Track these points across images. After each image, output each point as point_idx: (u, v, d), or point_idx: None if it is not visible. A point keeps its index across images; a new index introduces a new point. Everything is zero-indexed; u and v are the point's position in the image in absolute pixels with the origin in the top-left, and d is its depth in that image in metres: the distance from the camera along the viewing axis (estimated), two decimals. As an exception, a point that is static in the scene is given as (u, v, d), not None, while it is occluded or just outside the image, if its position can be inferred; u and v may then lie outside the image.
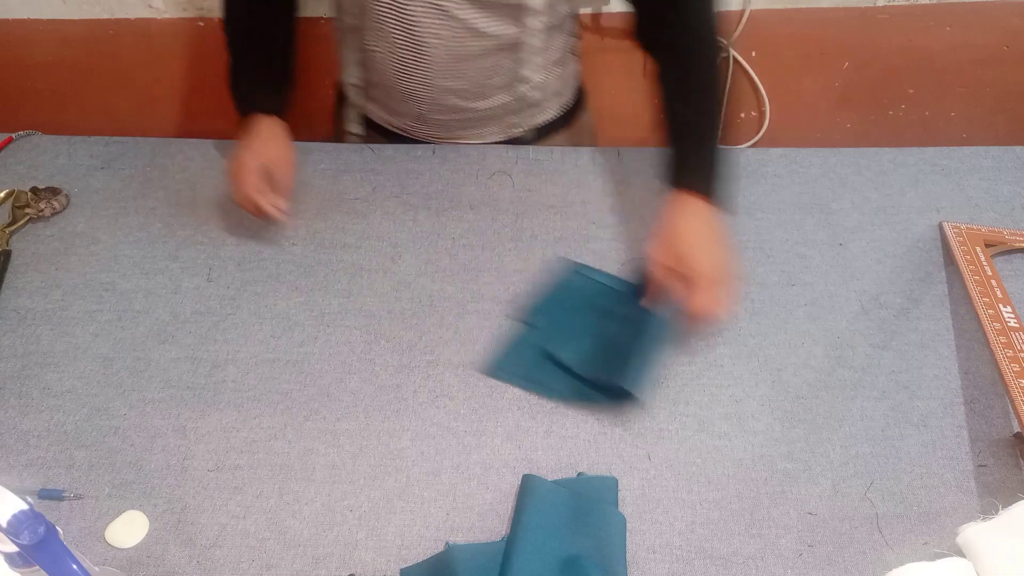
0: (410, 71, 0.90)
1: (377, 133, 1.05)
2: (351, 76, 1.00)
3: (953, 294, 0.84)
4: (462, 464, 0.71)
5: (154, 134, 1.06)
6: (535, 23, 0.88)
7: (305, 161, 1.01)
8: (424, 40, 0.86)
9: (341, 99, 1.08)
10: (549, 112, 1.02)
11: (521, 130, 1.02)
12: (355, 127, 1.07)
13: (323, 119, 1.15)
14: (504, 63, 0.91)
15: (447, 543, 0.65)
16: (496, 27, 0.86)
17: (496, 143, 1.03)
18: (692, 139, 0.82)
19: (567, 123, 1.05)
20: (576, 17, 1.00)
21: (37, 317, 0.84)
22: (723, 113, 0.83)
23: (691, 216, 0.78)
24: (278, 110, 0.94)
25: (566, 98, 1.03)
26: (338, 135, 1.12)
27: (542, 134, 1.03)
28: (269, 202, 0.87)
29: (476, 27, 0.85)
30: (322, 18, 1.23)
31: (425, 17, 0.84)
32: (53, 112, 1.39)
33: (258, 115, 0.92)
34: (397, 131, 1.03)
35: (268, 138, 0.90)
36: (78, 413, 0.75)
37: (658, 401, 0.75)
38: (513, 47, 0.89)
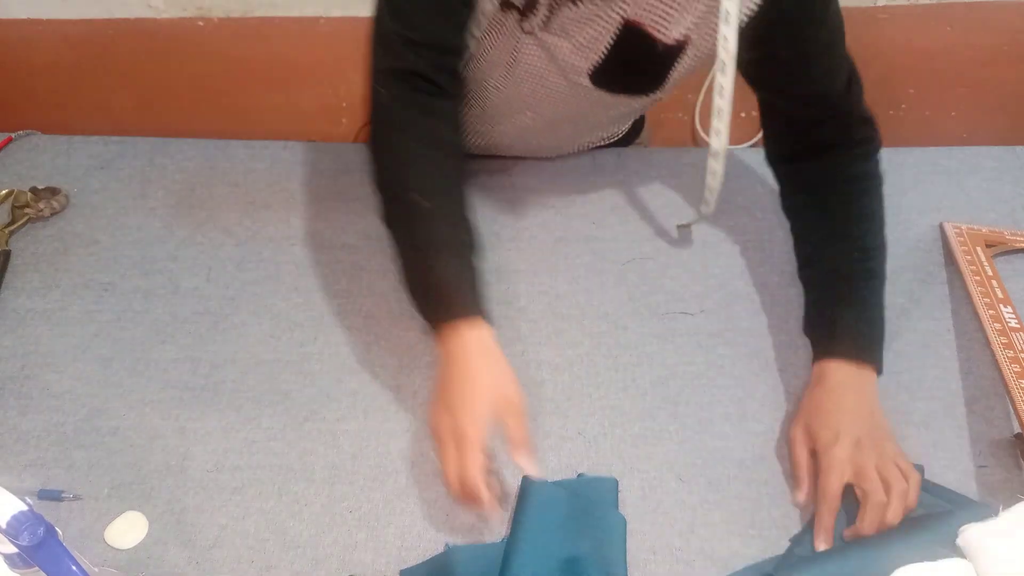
0: (502, 126, 0.88)
1: None
2: None
3: (954, 294, 0.84)
4: (462, 465, 0.71)
5: (154, 134, 1.06)
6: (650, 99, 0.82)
7: (305, 161, 1.01)
8: (524, 108, 0.83)
9: None
10: (615, 136, 1.03)
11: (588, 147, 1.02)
12: None
13: (322, 119, 1.15)
14: (601, 126, 0.91)
15: (446, 544, 0.65)
16: (612, 109, 0.84)
17: None
18: (847, 298, 0.71)
19: (626, 143, 1.06)
20: None
21: (37, 317, 0.84)
22: (884, 256, 0.73)
23: (837, 388, 0.68)
24: (485, 306, 0.68)
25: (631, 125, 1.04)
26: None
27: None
28: (492, 487, 0.61)
29: (592, 107, 0.82)
30: (321, 18, 1.23)
31: (532, 97, 0.80)
32: (53, 112, 1.39)
33: (463, 323, 0.66)
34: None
35: (489, 367, 0.65)
36: (78, 413, 0.75)
37: (658, 401, 0.75)
38: (615, 116, 0.89)
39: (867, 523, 0.62)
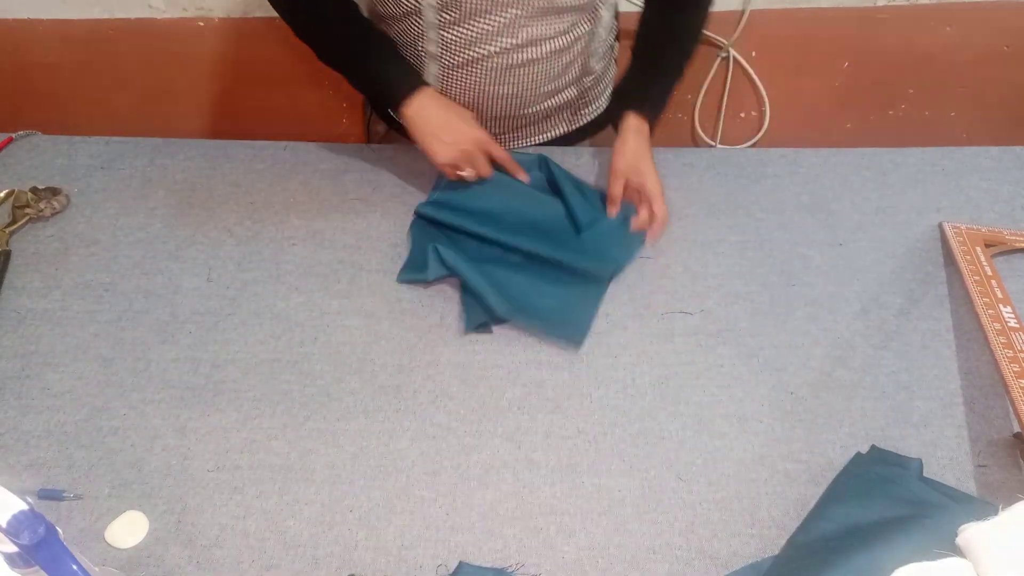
0: (462, 82, 0.90)
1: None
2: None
3: (953, 294, 0.84)
4: (462, 464, 0.71)
5: (154, 134, 1.06)
6: (582, 28, 0.89)
7: (305, 161, 1.01)
8: (479, 48, 0.86)
9: (375, 106, 1.09)
10: (593, 112, 1.03)
11: (565, 129, 1.03)
12: (383, 127, 1.07)
13: (323, 119, 1.15)
14: (553, 68, 0.91)
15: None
16: (552, 35, 0.87)
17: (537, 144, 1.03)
18: (660, 77, 0.94)
19: (604, 125, 1.06)
20: (616, 17, 1.01)
21: (37, 317, 0.84)
22: (691, 61, 0.94)
23: (645, 140, 0.91)
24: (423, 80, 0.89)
25: (605, 99, 1.05)
26: (368, 137, 1.12)
27: (584, 134, 1.05)
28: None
29: (533, 36, 0.86)
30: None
31: (485, 25, 0.84)
32: (53, 112, 1.39)
33: (417, 92, 0.86)
34: None
35: (458, 112, 0.88)
36: (78, 413, 0.75)
37: (658, 401, 0.75)
38: (562, 52, 0.90)
39: (658, 210, 0.88)
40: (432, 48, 0.88)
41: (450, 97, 0.92)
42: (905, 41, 1.28)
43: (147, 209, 0.96)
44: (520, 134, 1.02)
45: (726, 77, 1.33)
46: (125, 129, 1.09)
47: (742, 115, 1.41)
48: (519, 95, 0.92)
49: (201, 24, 1.27)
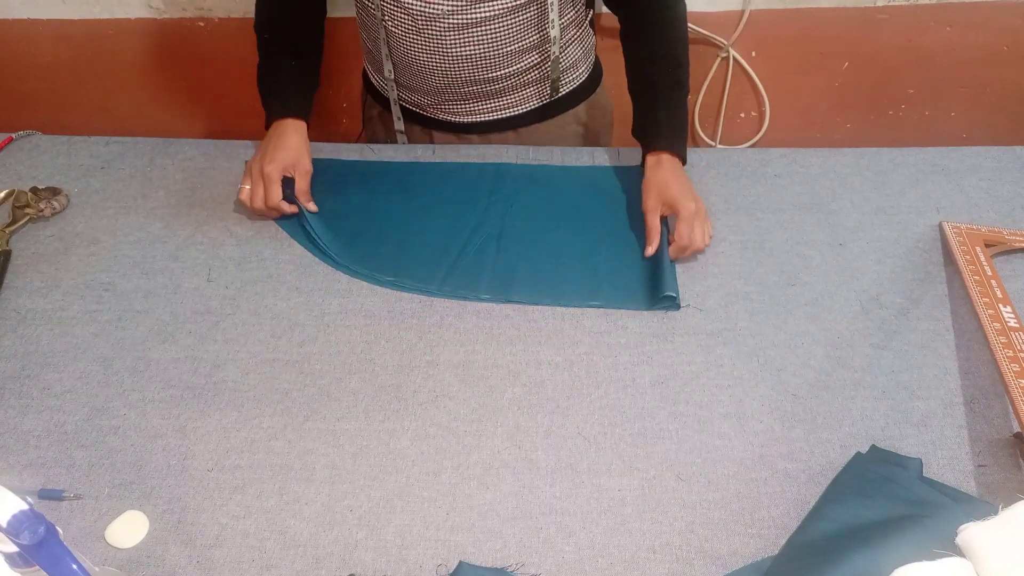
0: (422, 42, 0.90)
1: (411, 121, 1.05)
2: (378, 64, 1.00)
3: (953, 294, 0.84)
4: (462, 464, 0.71)
5: (154, 134, 1.06)
6: None
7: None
8: (430, 7, 0.86)
9: (368, 88, 1.10)
10: (568, 81, 1.02)
11: (539, 102, 1.02)
12: (387, 116, 1.08)
13: (323, 119, 1.15)
14: (514, 27, 0.91)
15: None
16: None
17: (512, 117, 1.03)
18: (665, 104, 0.93)
19: (587, 94, 1.06)
20: None
21: (37, 317, 0.84)
22: (688, 72, 0.94)
23: (671, 171, 0.91)
24: (306, 113, 0.97)
25: (584, 68, 1.04)
26: (366, 126, 1.12)
27: (565, 106, 1.04)
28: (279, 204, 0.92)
29: None
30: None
31: None
32: (53, 112, 1.39)
33: (282, 118, 0.95)
34: (426, 115, 1.03)
35: (294, 142, 0.93)
36: (78, 413, 0.75)
37: (657, 401, 0.75)
38: (523, 7, 0.89)
39: (686, 235, 0.87)
40: (381, 14, 0.89)
41: (414, 61, 0.93)
42: (905, 41, 1.28)
43: (147, 209, 0.96)
44: (493, 104, 1.01)
45: (726, 77, 1.33)
46: (125, 129, 1.09)
47: (742, 115, 1.41)
48: (482, 56, 0.92)
49: (201, 24, 1.27)
